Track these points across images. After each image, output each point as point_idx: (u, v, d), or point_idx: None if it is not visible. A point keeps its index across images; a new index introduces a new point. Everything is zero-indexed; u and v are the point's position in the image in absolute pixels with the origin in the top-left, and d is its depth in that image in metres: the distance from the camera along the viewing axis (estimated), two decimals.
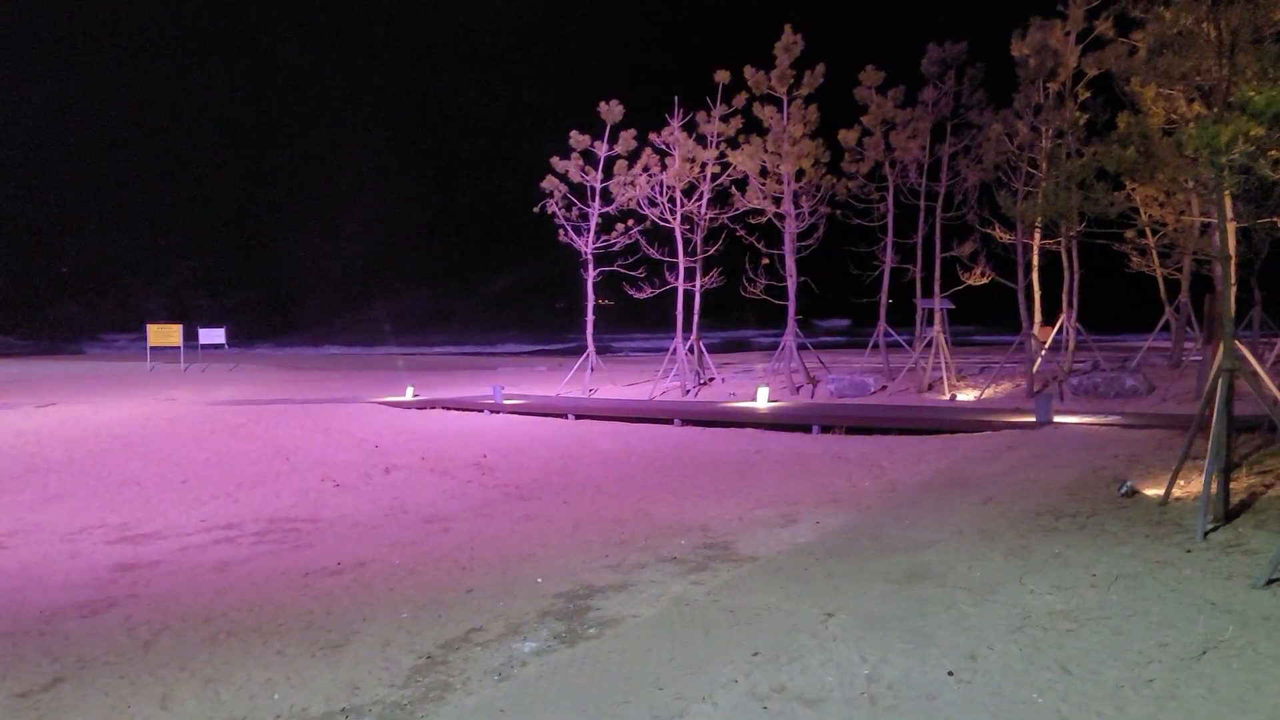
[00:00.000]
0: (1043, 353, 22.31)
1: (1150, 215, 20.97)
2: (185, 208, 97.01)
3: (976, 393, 22.00)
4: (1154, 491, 9.69)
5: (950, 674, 5.22)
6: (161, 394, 30.49)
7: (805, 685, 5.18)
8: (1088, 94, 20.56)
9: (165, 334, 43.44)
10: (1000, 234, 22.20)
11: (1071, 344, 21.93)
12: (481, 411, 23.21)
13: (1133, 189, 19.52)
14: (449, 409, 24.11)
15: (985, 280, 23.06)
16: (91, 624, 7.86)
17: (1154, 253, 22.42)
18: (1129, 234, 21.82)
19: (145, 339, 43.25)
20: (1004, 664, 5.32)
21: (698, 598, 7.18)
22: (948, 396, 22.00)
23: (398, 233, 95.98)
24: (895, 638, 5.85)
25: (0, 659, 7.01)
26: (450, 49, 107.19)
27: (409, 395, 27.29)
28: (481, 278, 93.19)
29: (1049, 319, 22.97)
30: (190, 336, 43.77)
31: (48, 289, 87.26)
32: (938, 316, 23.48)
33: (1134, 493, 9.73)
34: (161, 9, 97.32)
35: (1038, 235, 21.82)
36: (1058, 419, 16.42)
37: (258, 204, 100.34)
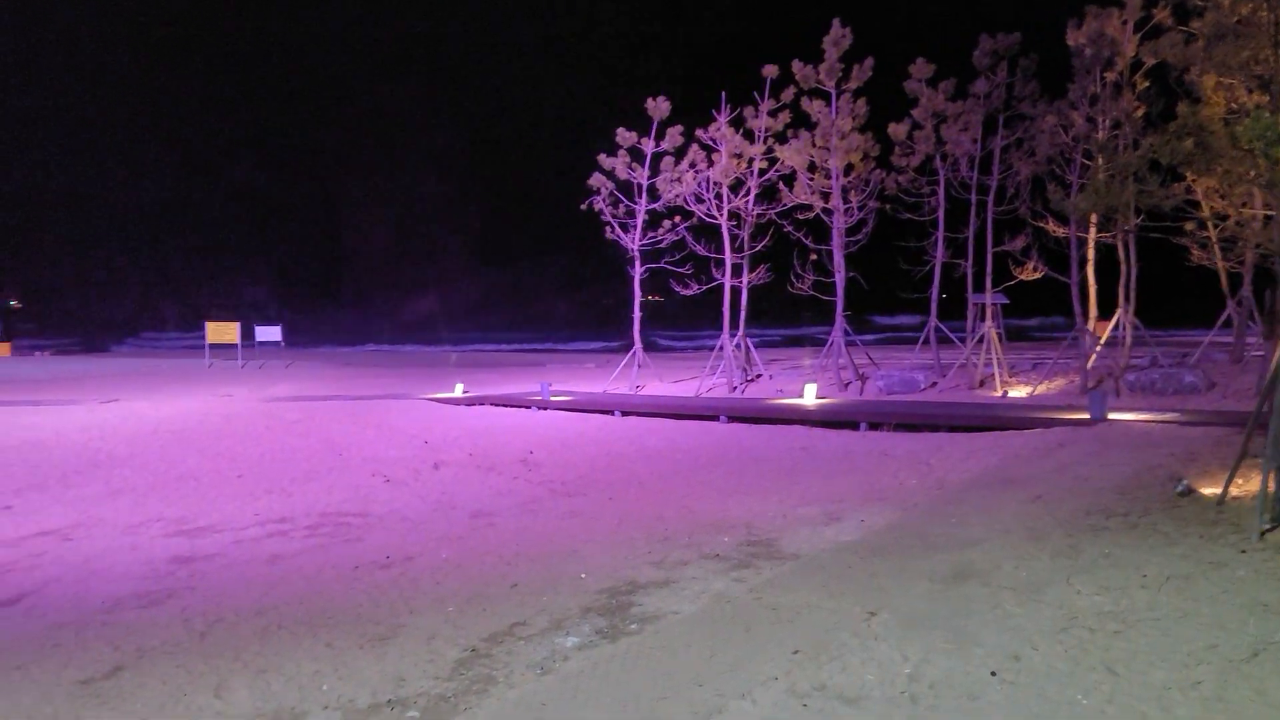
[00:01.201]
0: (1098, 348, 21.91)
1: (1212, 207, 20.49)
2: (238, 201, 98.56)
3: (1029, 389, 21.69)
4: (1211, 491, 9.50)
5: (993, 674, 5.18)
6: (219, 390, 31.13)
7: (845, 683, 5.17)
8: (1146, 84, 20.14)
9: (223, 331, 44.34)
10: (1054, 228, 21.83)
11: (1128, 339, 21.50)
12: (529, 408, 23.36)
13: (1193, 180, 19.10)
14: (497, 405, 24.30)
15: (1038, 275, 22.68)
16: (150, 614, 8.08)
17: (1215, 246, 21.87)
18: (1189, 226, 21.33)
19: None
20: (1048, 665, 5.27)
21: (739, 595, 7.19)
22: (999, 393, 21.71)
23: (449, 230, 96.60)
24: (938, 637, 5.81)
25: (64, 647, 7.25)
26: (500, 48, 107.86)
27: (458, 392, 27.55)
28: (530, 274, 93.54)
29: (1106, 313, 22.55)
30: (247, 334, 44.64)
31: (88, 286, 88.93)
32: (988, 312, 23.17)
33: (1189, 492, 9.55)
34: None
35: (1093, 229, 21.41)
36: (1112, 416, 16.14)
37: (313, 201, 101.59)
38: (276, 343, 46.46)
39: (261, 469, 16.32)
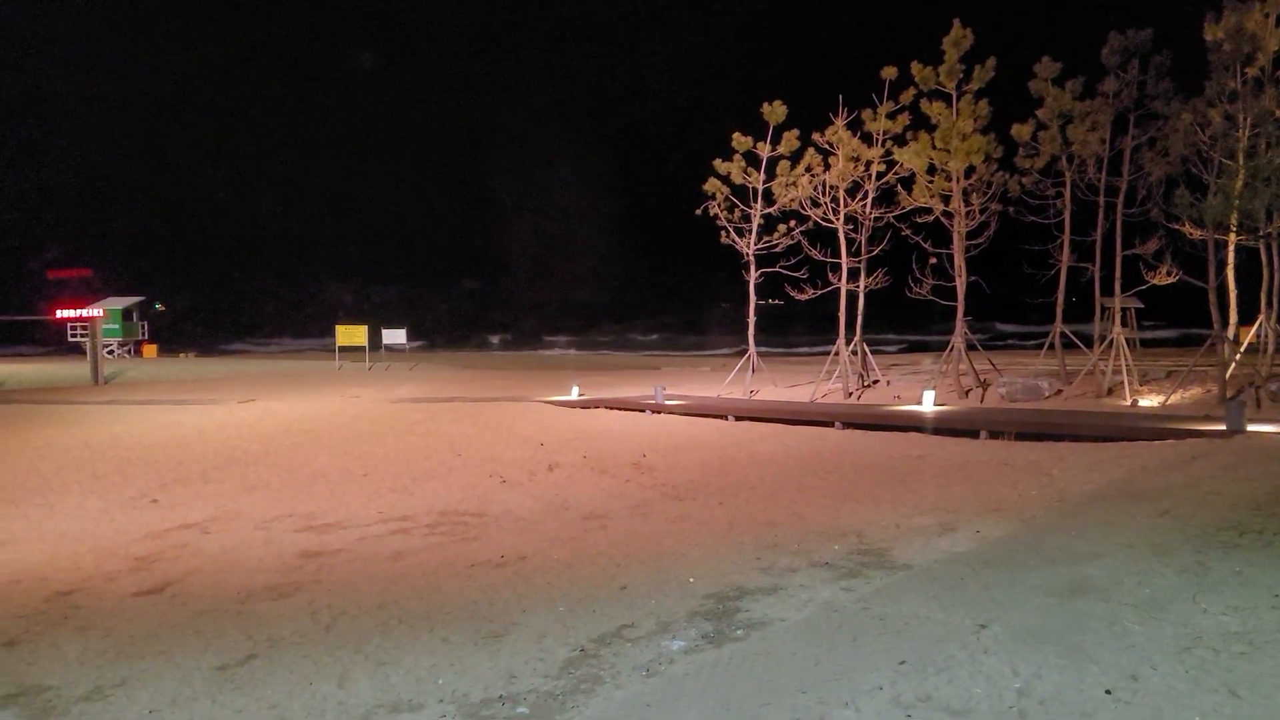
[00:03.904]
0: (1238, 356, 20.84)
1: None
2: (370, 212, 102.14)
3: (1161, 398, 20.79)
4: None
5: (1108, 692, 5.05)
6: (348, 391, 32.36)
7: (952, 696, 5.12)
8: None
9: (352, 334, 46.14)
10: (1190, 230, 20.84)
11: (1271, 347, 20.38)
12: (643, 411, 23.57)
13: None
14: (612, 408, 24.60)
15: (1172, 279, 21.70)
16: (280, 606, 8.53)
17: None
18: None
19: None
20: (1167, 685, 5.11)
21: (847, 604, 7.17)
22: (1129, 402, 20.88)
23: (572, 233, 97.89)
24: (1051, 652, 5.69)
25: (203, 634, 7.73)
26: (625, 53, 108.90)
27: (574, 394, 27.97)
28: (647, 278, 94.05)
29: (1247, 320, 21.43)
30: (374, 337, 46.31)
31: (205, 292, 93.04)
32: (1116, 317, 22.30)
33: None
34: None
35: (1233, 233, 20.36)
36: (1251, 428, 15.36)
37: (446, 206, 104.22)
38: (402, 346, 48.05)
39: (386, 468, 16.94)
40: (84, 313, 47.75)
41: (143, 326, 58.93)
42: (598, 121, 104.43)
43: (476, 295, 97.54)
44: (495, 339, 79.00)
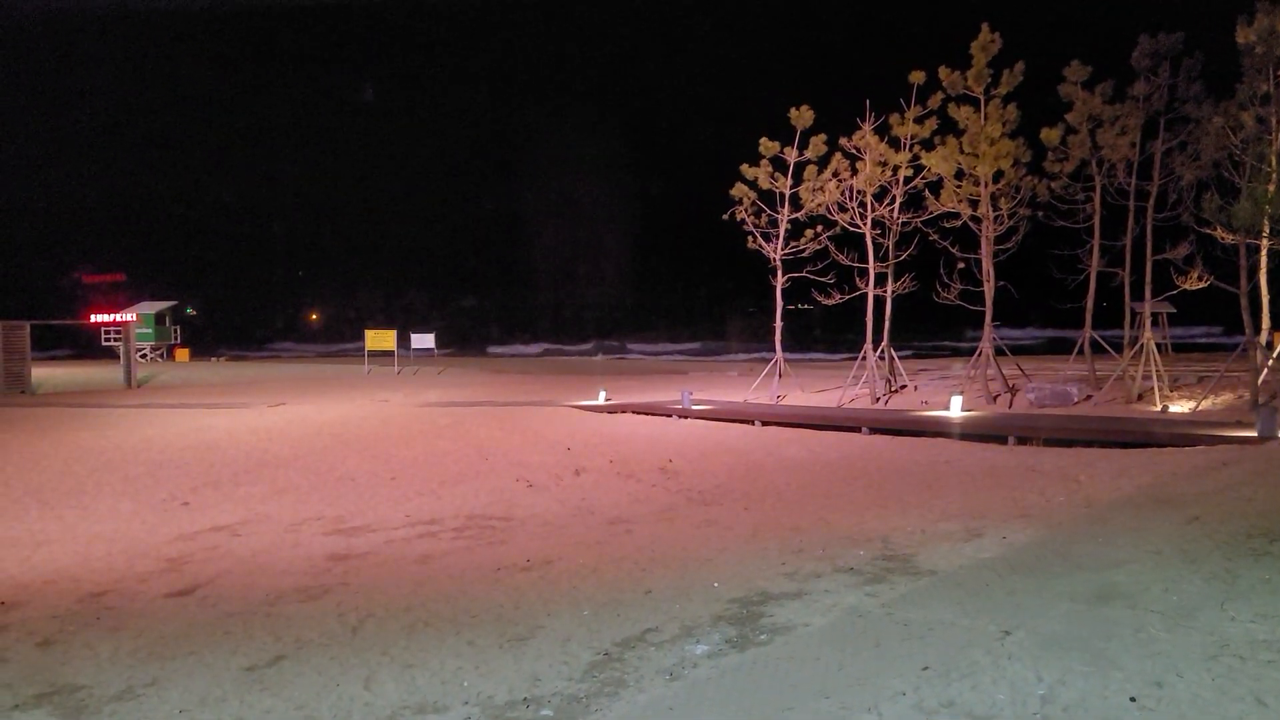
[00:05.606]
0: (1270, 361, 20.57)
1: None
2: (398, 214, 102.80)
3: (1192, 404, 20.56)
4: None
5: (1132, 700, 5.03)
6: (376, 395, 32.60)
7: (975, 702, 5.12)
8: None
9: (381, 339, 46.52)
10: (1222, 234, 20.62)
11: None
12: (670, 416, 23.57)
13: None
14: (639, 413, 24.61)
15: (1203, 284, 21.48)
16: (308, 608, 8.63)
17: None
18: None
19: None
20: (1193, 693, 5.08)
21: (871, 609, 7.17)
22: (1159, 408, 20.67)
23: (597, 238, 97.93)
24: (1076, 659, 5.68)
25: (233, 635, 7.84)
26: (651, 61, 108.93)
27: (601, 399, 28.00)
28: (672, 282, 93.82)
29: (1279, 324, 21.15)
30: (403, 342, 46.69)
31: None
32: (1146, 322, 22.09)
33: None
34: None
35: (1264, 237, 20.12)
36: None
37: (471, 210, 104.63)
38: (430, 350, 48.36)
39: (414, 471, 17.07)
40: (118, 317, 48.44)
41: (175, 331, 59.70)
42: (621, 126, 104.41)
43: (502, 301, 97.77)
44: (522, 344, 79.20)
